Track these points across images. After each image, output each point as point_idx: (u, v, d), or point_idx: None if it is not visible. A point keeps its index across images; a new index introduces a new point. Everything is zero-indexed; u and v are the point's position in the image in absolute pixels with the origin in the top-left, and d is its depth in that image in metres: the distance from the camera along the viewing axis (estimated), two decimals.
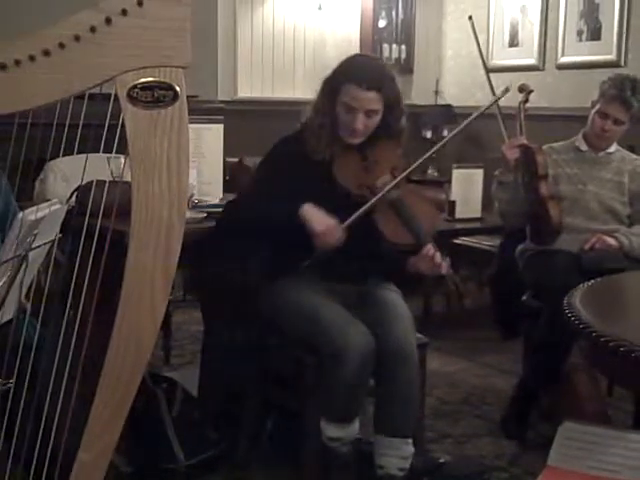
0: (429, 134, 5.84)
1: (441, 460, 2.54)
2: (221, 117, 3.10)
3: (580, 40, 5.11)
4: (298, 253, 2.38)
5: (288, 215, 2.34)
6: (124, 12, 1.34)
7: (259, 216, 2.39)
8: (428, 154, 2.56)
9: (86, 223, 1.56)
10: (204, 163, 2.91)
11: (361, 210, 2.34)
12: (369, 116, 2.40)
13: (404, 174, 2.45)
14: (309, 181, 2.41)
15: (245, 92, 5.30)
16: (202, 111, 3.33)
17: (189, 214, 2.47)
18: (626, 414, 2.96)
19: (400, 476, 2.31)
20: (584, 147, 3.14)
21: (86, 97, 1.41)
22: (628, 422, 2.84)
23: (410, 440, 2.32)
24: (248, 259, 2.54)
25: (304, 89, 5.42)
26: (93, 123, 1.48)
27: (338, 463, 2.31)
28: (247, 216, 2.43)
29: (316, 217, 2.34)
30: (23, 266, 1.56)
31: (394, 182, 2.41)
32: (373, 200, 2.35)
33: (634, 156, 3.21)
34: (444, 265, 2.33)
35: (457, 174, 3.94)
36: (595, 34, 5.01)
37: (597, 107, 3.05)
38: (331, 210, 2.37)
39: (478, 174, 3.95)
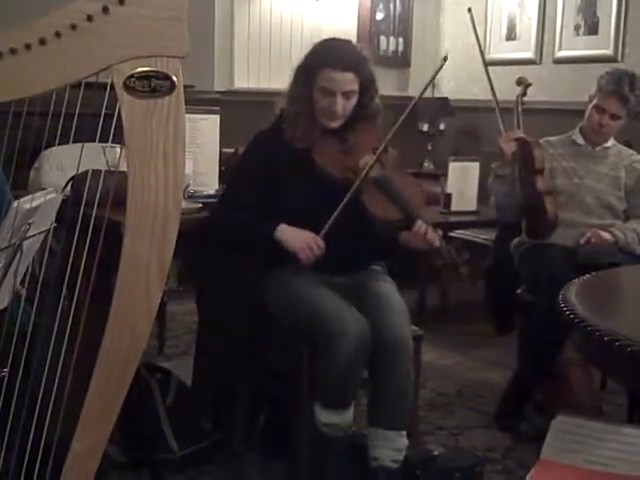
0: (426, 127, 5.83)
1: (435, 452, 2.54)
2: (217, 108, 3.09)
3: (577, 34, 5.10)
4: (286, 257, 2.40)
5: (264, 237, 2.39)
6: (121, 1, 1.34)
7: (239, 234, 2.44)
8: (402, 118, 2.49)
9: (81, 212, 1.56)
10: (200, 153, 2.90)
11: (335, 214, 2.34)
12: (347, 98, 2.43)
13: (379, 150, 2.44)
14: (291, 171, 2.44)
15: (242, 83, 5.28)
16: (198, 101, 3.32)
17: (185, 204, 2.47)
18: (619, 408, 2.97)
19: (394, 468, 2.31)
20: (581, 141, 3.14)
21: (82, 86, 1.40)
22: (621, 416, 2.85)
23: (404, 432, 2.32)
24: (243, 251, 2.54)
25: None
26: (89, 112, 1.47)
27: (331, 449, 2.32)
28: (229, 230, 2.47)
29: (291, 236, 2.37)
30: (18, 255, 1.55)
31: (365, 171, 2.39)
32: (344, 201, 2.34)
33: (630, 151, 3.21)
34: (436, 238, 2.35)
35: (453, 167, 3.94)
36: (592, 29, 5.01)
37: (594, 102, 3.05)
38: (317, 197, 2.38)
39: (474, 167, 3.95)
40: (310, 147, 2.46)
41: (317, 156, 2.44)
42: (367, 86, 2.47)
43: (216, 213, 2.54)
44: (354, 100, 2.45)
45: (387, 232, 2.45)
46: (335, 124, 2.47)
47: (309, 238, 2.36)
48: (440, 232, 2.39)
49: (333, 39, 2.59)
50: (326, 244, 2.37)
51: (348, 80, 2.40)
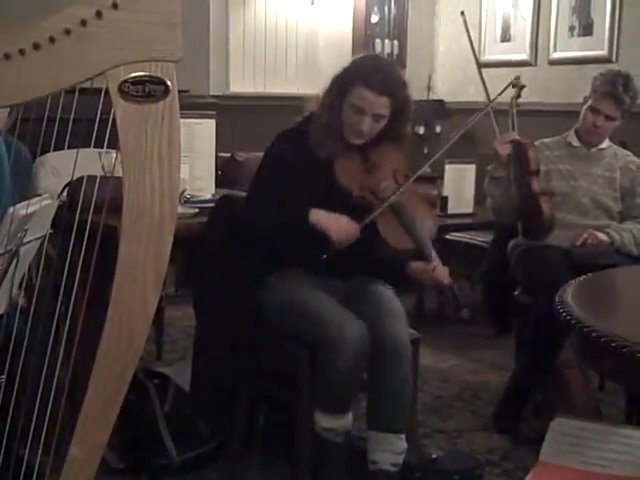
0: (422, 130, 5.84)
1: (434, 455, 2.54)
2: (213, 112, 3.09)
3: (572, 36, 5.11)
4: (311, 249, 2.36)
5: (298, 222, 2.34)
6: (115, 6, 1.33)
7: (274, 225, 2.37)
8: (437, 155, 2.54)
9: (77, 218, 1.55)
10: (196, 158, 2.90)
11: (376, 212, 2.33)
12: (376, 120, 2.39)
13: (410, 180, 2.44)
14: (309, 178, 2.41)
15: (237, 87, 5.28)
16: (194, 106, 3.31)
17: (181, 209, 2.47)
18: (618, 409, 2.97)
19: (393, 471, 2.31)
20: (576, 143, 3.14)
21: (77, 91, 1.40)
22: (620, 417, 2.85)
23: (403, 435, 2.32)
24: (242, 255, 2.53)
25: (296, 84, 5.41)
26: (84, 117, 1.47)
27: (331, 453, 2.31)
28: (263, 225, 2.39)
29: (326, 218, 2.34)
30: (14, 261, 1.55)
31: (402, 188, 2.39)
32: (386, 203, 2.34)
33: (626, 152, 3.22)
34: (446, 276, 2.36)
35: (449, 169, 3.95)
36: (587, 30, 5.02)
37: (589, 103, 3.06)
38: (331, 209, 2.37)
39: (470, 170, 3.96)
40: (331, 158, 2.44)
41: (338, 169, 2.42)
42: (401, 111, 2.43)
43: (249, 214, 2.46)
44: (382, 123, 2.41)
45: (396, 259, 2.44)
46: (359, 141, 2.44)
47: (343, 221, 2.33)
48: (447, 270, 2.38)
49: (377, 57, 2.58)
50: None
51: (381, 104, 2.36)
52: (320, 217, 2.34)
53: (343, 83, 2.41)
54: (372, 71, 2.39)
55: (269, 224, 2.38)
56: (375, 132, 2.43)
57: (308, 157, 2.42)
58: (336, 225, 2.33)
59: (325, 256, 2.34)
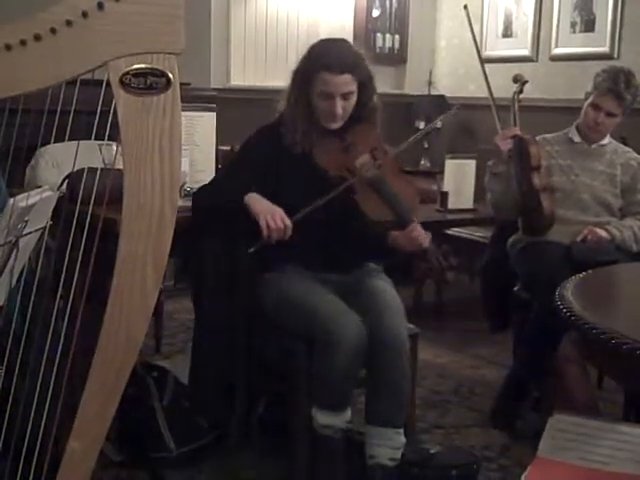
0: (422, 124, 5.82)
1: (432, 450, 2.54)
2: (214, 105, 3.08)
3: (574, 32, 5.10)
4: (246, 239, 2.37)
5: (234, 203, 2.34)
6: None
7: (211, 204, 2.40)
8: (406, 143, 2.53)
9: (77, 210, 1.55)
10: (196, 151, 2.90)
11: (313, 205, 2.32)
12: (346, 99, 2.42)
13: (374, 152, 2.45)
14: (289, 171, 2.43)
15: (238, 80, 5.27)
16: (195, 99, 3.30)
17: (181, 202, 2.46)
18: (616, 406, 2.97)
19: (391, 466, 2.31)
20: (577, 139, 3.14)
21: (78, 83, 1.40)
22: (618, 414, 2.85)
23: (401, 430, 2.32)
24: (237, 247, 2.53)
25: None
26: (85, 109, 1.47)
27: (329, 450, 2.32)
28: (201, 205, 2.43)
29: (259, 204, 2.33)
30: (14, 253, 1.55)
31: (360, 171, 2.39)
32: (330, 195, 2.33)
33: (626, 148, 3.21)
34: (425, 241, 2.37)
35: (450, 165, 3.94)
36: (589, 26, 5.01)
37: (590, 99, 3.05)
38: (313, 196, 2.37)
39: (471, 165, 3.95)
40: (307, 150, 2.45)
41: (317, 156, 2.45)
42: (365, 84, 2.47)
43: (199, 194, 2.50)
44: (353, 99, 2.45)
45: (378, 232, 2.45)
46: (336, 125, 2.47)
47: (276, 211, 2.32)
48: (430, 235, 2.39)
49: (328, 40, 2.58)
50: (317, 240, 2.36)
51: (346, 82, 2.39)
52: (254, 202, 2.33)
53: (303, 76, 2.45)
54: (326, 53, 2.42)
55: (206, 203, 2.41)
56: (349, 111, 2.46)
57: (286, 152, 2.45)
58: (267, 212, 2.30)
59: (252, 249, 2.34)
